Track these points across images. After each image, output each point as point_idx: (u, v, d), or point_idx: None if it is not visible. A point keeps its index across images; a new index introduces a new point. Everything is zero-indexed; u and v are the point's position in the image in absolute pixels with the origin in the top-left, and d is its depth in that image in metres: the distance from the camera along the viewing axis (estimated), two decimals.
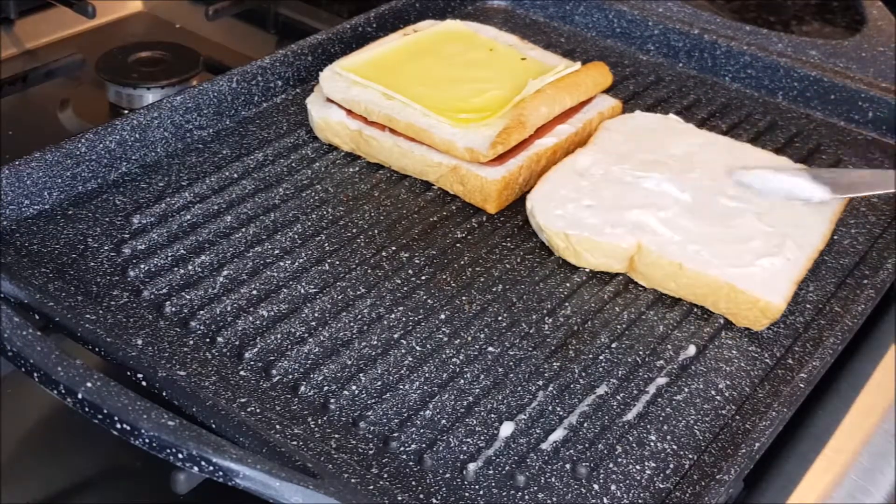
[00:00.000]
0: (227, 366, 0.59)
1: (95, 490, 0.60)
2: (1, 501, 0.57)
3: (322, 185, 0.74)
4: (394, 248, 0.68)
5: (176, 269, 0.65)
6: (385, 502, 0.50)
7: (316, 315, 0.63)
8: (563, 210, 0.67)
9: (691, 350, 0.62)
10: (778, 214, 0.68)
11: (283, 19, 1.09)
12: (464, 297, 0.65)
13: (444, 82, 0.77)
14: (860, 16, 0.98)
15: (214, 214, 0.70)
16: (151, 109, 0.75)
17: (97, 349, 0.56)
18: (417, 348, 0.61)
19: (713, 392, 0.60)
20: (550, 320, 0.64)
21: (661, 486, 0.54)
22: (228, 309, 0.62)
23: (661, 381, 0.60)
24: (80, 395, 0.46)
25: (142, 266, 0.65)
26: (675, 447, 0.56)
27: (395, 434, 0.55)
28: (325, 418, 0.56)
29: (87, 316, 0.59)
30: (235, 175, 0.74)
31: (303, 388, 0.57)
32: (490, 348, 0.61)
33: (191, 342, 0.60)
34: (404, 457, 0.54)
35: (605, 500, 0.53)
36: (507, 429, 0.56)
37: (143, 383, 0.55)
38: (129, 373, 0.55)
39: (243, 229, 0.69)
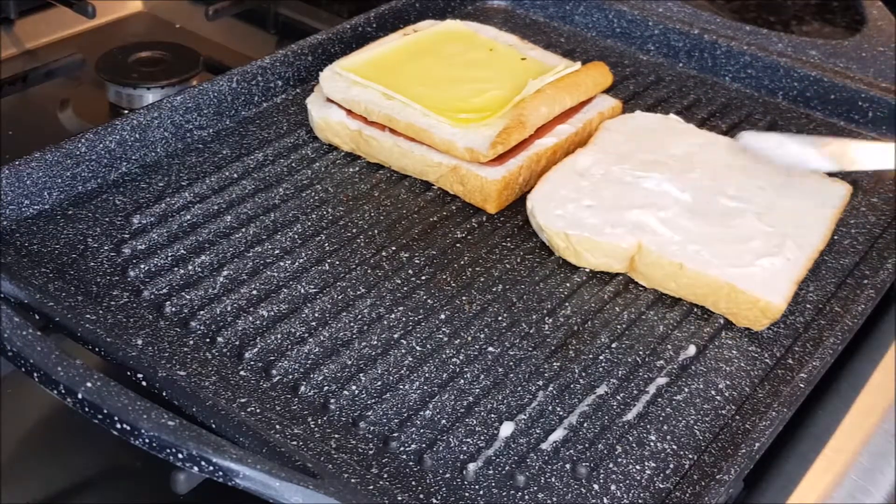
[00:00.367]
0: (227, 366, 0.59)
1: (95, 490, 0.60)
2: (1, 501, 0.57)
3: (322, 185, 0.74)
4: (394, 248, 0.68)
5: (176, 269, 0.65)
6: (385, 502, 0.50)
7: (316, 315, 0.63)
8: (564, 210, 0.67)
9: (691, 350, 0.62)
10: (778, 214, 0.68)
11: (283, 19, 1.09)
12: (464, 297, 0.65)
13: (444, 82, 0.77)
14: (860, 16, 0.98)
15: (214, 214, 0.70)
16: (151, 109, 0.75)
17: (97, 349, 0.56)
18: (417, 348, 0.61)
19: (713, 392, 0.60)
20: (550, 320, 0.64)
21: (661, 486, 0.54)
22: (228, 309, 0.62)
23: (661, 381, 0.60)
24: (80, 395, 0.46)
25: (142, 266, 0.65)
26: (675, 447, 0.56)
27: (395, 434, 0.55)
28: (325, 418, 0.56)
29: (87, 316, 0.59)
30: (235, 175, 0.74)
31: (303, 388, 0.57)
32: (490, 348, 0.61)
33: (191, 342, 0.60)
34: (404, 457, 0.54)
35: (605, 500, 0.53)
36: (507, 429, 0.56)
37: (143, 383, 0.55)
38: (129, 373, 0.55)
39: (243, 229, 0.69)
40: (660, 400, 0.59)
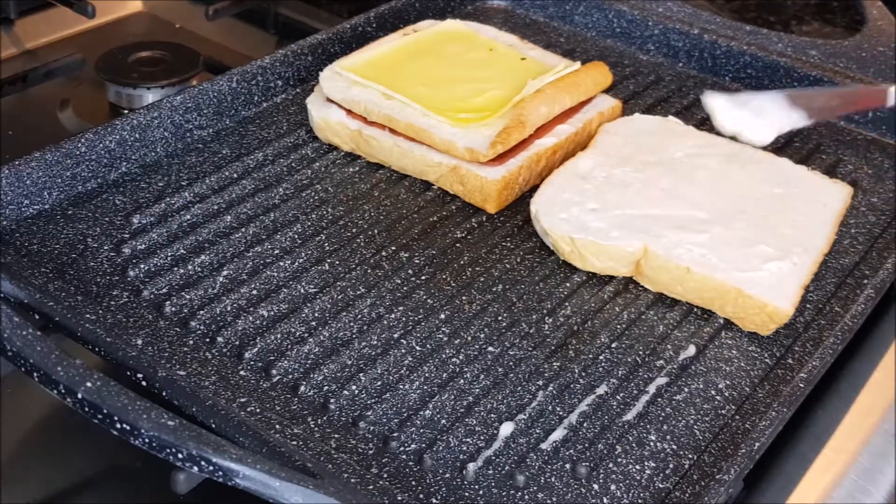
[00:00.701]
0: (227, 366, 0.59)
1: (95, 490, 0.60)
2: (1, 501, 0.57)
3: (322, 185, 0.74)
4: (394, 248, 0.68)
5: (176, 268, 0.65)
6: (385, 502, 0.50)
7: (316, 315, 0.63)
8: (568, 214, 0.67)
9: (691, 350, 0.62)
10: (782, 217, 0.68)
11: (283, 19, 1.09)
12: (464, 297, 0.65)
13: (444, 82, 0.77)
14: (860, 16, 0.98)
15: (214, 214, 0.70)
16: (151, 109, 0.75)
17: (97, 349, 0.56)
18: (417, 348, 0.61)
19: (713, 392, 0.60)
20: (550, 320, 0.64)
21: (661, 485, 0.54)
22: (228, 309, 0.62)
23: (661, 380, 0.60)
24: (80, 395, 0.46)
25: (142, 266, 0.65)
26: (675, 447, 0.56)
27: (395, 434, 0.55)
28: (325, 418, 0.56)
29: (87, 316, 0.59)
30: (235, 175, 0.74)
31: (303, 388, 0.57)
32: (490, 348, 0.61)
33: (191, 342, 0.60)
34: (404, 457, 0.54)
35: (605, 500, 0.53)
36: (506, 429, 0.56)
37: (143, 383, 0.55)
38: (129, 373, 0.55)
39: (243, 229, 0.69)
40: (660, 400, 0.59)
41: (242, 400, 0.56)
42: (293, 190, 0.73)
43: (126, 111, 0.84)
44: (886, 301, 0.68)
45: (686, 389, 0.60)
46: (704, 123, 0.83)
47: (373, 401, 0.57)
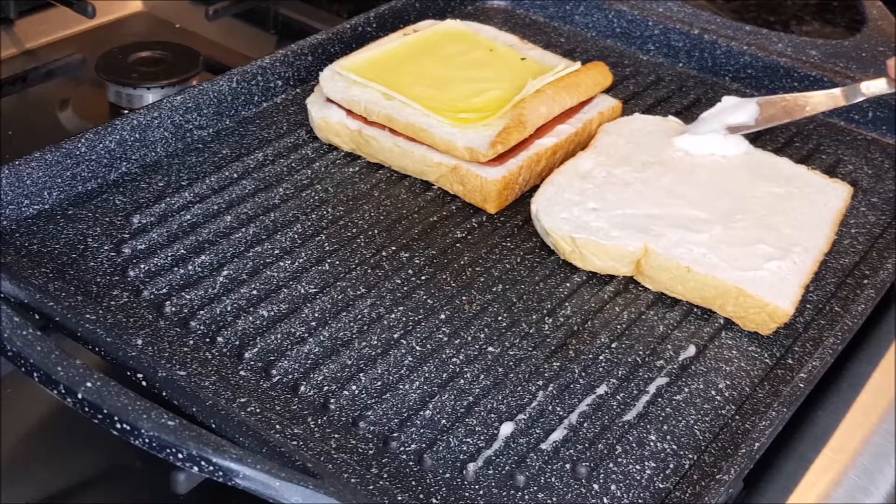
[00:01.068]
0: (227, 366, 0.59)
1: (95, 490, 0.60)
2: (1, 501, 0.57)
3: (322, 185, 0.74)
4: (394, 248, 0.68)
5: (176, 269, 0.65)
6: (385, 502, 0.50)
7: (316, 315, 0.63)
8: (569, 213, 0.67)
9: (691, 350, 0.62)
10: (782, 217, 0.68)
11: (283, 19, 1.09)
12: (464, 297, 0.65)
13: (444, 82, 0.77)
14: (860, 16, 0.97)
15: (214, 214, 0.70)
16: (151, 109, 0.75)
17: (97, 349, 0.56)
18: (417, 348, 0.61)
19: (713, 392, 0.60)
20: (550, 320, 0.64)
21: (661, 486, 0.54)
22: (228, 309, 0.62)
23: (661, 381, 0.60)
24: (80, 395, 0.46)
25: (142, 266, 0.65)
26: (675, 447, 0.56)
27: (395, 434, 0.55)
28: (325, 418, 0.56)
29: (87, 316, 0.59)
30: (235, 175, 0.74)
31: (303, 388, 0.57)
32: (490, 348, 0.61)
33: (191, 342, 0.60)
34: (404, 457, 0.54)
35: (605, 500, 0.53)
36: (507, 429, 0.56)
37: (143, 383, 0.55)
38: (129, 373, 0.55)
39: (243, 229, 0.69)
40: (660, 400, 0.59)
41: (242, 400, 0.56)
42: (293, 190, 0.73)
43: (126, 111, 0.83)
44: (886, 301, 0.68)
45: (686, 389, 0.60)
46: None
47: (373, 401, 0.57)
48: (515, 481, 0.53)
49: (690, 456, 0.56)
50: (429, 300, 0.64)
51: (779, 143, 0.82)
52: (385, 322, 0.62)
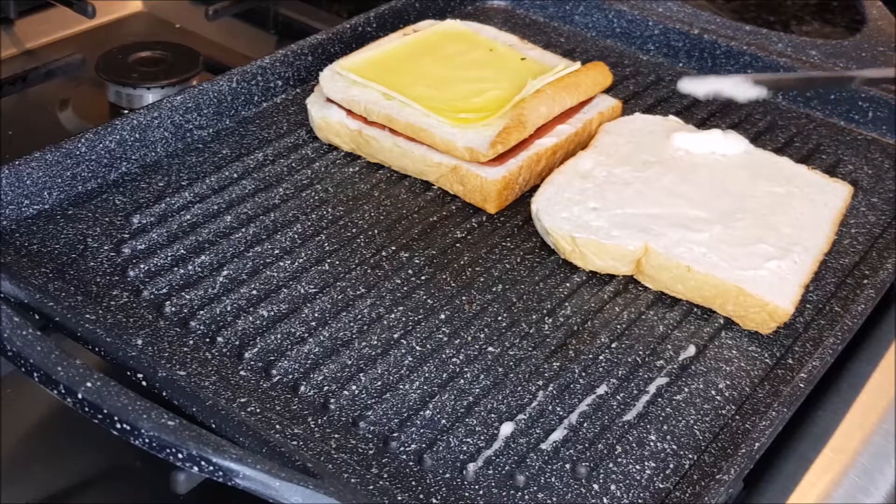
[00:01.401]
0: (227, 366, 0.59)
1: (95, 490, 0.60)
2: (1, 501, 0.57)
3: (322, 185, 0.74)
4: (394, 248, 0.68)
5: (176, 269, 0.65)
6: (385, 502, 0.50)
7: (316, 315, 0.63)
8: (569, 213, 0.67)
9: (691, 350, 0.62)
10: (782, 216, 0.68)
11: (283, 19, 1.09)
12: (464, 297, 0.65)
13: (444, 82, 0.77)
14: (860, 16, 0.97)
15: (214, 214, 0.70)
16: (151, 109, 0.75)
17: (97, 349, 0.56)
18: (417, 348, 0.61)
19: (713, 392, 0.60)
20: (550, 320, 0.64)
21: (661, 486, 0.54)
22: (228, 309, 0.62)
23: (661, 380, 0.60)
24: (80, 395, 0.46)
25: (142, 266, 0.65)
26: (675, 447, 0.56)
27: (395, 434, 0.55)
28: (325, 418, 0.56)
29: (87, 316, 0.59)
30: (235, 175, 0.74)
31: (303, 388, 0.57)
32: (490, 348, 0.61)
33: (191, 342, 0.60)
34: (404, 457, 0.54)
35: (605, 500, 0.53)
36: (507, 429, 0.56)
37: (143, 383, 0.55)
38: (129, 373, 0.55)
39: (243, 229, 0.69)
40: (660, 400, 0.59)
41: (242, 400, 0.56)
42: (293, 190, 0.73)
43: (126, 111, 0.84)
44: (886, 301, 0.68)
45: (686, 389, 0.60)
46: (705, 123, 0.84)
47: (373, 401, 0.57)
48: (515, 481, 0.53)
49: (690, 456, 0.56)
50: (429, 300, 0.64)
51: (779, 143, 0.82)
52: (385, 322, 0.62)
